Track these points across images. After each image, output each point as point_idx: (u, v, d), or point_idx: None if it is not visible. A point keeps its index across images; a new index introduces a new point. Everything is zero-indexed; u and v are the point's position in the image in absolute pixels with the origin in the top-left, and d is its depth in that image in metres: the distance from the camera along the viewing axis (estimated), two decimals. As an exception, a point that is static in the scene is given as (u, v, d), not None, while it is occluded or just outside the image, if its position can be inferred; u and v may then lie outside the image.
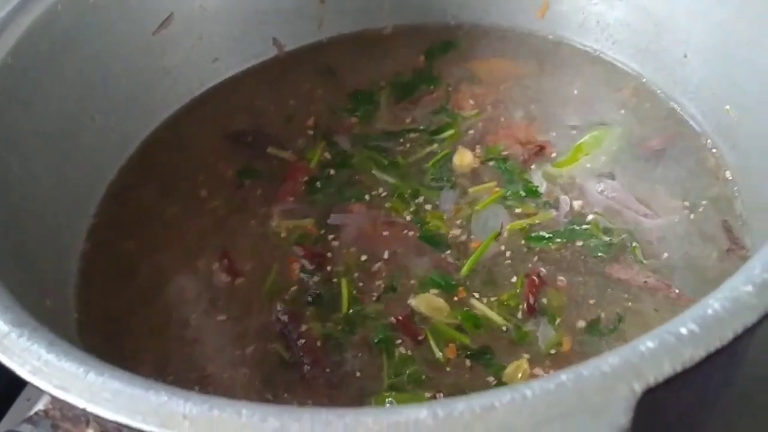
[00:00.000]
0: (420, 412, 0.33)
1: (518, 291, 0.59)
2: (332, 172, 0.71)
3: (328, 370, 0.56)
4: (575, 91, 0.76)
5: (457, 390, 0.54)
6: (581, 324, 0.57)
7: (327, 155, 0.72)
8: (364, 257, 0.63)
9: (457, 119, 0.74)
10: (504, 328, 0.57)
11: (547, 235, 0.63)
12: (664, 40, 0.73)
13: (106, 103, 0.70)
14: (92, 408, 0.35)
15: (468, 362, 0.55)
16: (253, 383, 0.55)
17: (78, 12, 0.67)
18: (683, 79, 0.71)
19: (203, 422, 0.34)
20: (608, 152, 0.69)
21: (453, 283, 0.60)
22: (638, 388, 0.33)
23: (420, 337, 0.57)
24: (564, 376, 0.34)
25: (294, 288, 0.61)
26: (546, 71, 0.78)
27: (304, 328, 0.58)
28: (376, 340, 0.57)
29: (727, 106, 0.65)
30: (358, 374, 0.55)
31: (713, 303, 0.37)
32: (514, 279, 0.60)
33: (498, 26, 0.82)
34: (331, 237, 0.65)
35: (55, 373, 0.37)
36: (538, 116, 0.73)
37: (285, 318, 0.59)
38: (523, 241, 0.62)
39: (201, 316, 0.60)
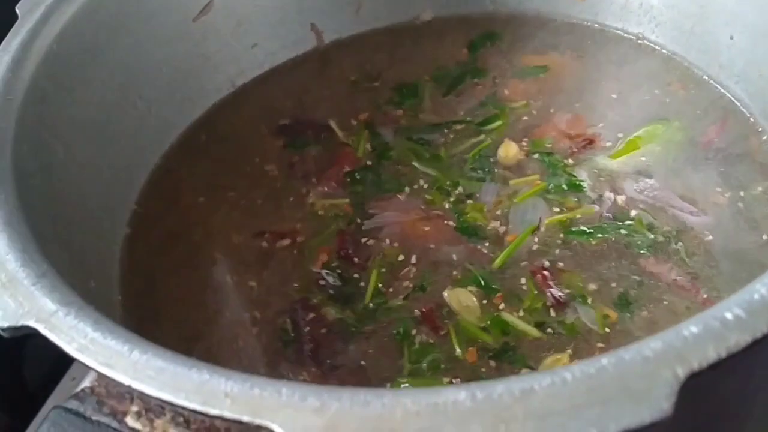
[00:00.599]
0: (458, 394, 0.33)
1: (535, 292, 0.57)
2: (373, 163, 0.70)
3: (329, 361, 0.55)
4: (621, 82, 0.74)
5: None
6: (613, 295, 0.56)
7: (368, 147, 0.71)
8: (400, 257, 0.61)
9: (505, 110, 0.72)
10: (550, 330, 0.55)
11: (588, 230, 0.61)
12: (709, 22, 0.71)
13: (149, 90, 0.71)
14: (137, 385, 0.36)
15: (492, 363, 0.54)
16: (254, 354, 0.56)
17: (121, -1, 0.68)
18: (729, 61, 0.69)
19: (244, 400, 0.34)
20: (661, 147, 0.67)
21: (493, 286, 0.58)
22: (681, 373, 0.32)
23: (442, 332, 0.56)
24: (605, 360, 0.33)
25: (318, 276, 0.61)
26: (590, 60, 0.77)
27: (311, 315, 0.58)
28: (395, 332, 0.56)
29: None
30: (362, 363, 0.55)
31: (760, 288, 0.36)
32: (523, 281, 0.58)
33: (538, 12, 0.81)
34: (365, 230, 0.64)
35: (100, 350, 0.38)
36: (585, 108, 0.71)
37: (297, 305, 0.59)
38: (561, 235, 0.61)
39: (230, 290, 0.61)
